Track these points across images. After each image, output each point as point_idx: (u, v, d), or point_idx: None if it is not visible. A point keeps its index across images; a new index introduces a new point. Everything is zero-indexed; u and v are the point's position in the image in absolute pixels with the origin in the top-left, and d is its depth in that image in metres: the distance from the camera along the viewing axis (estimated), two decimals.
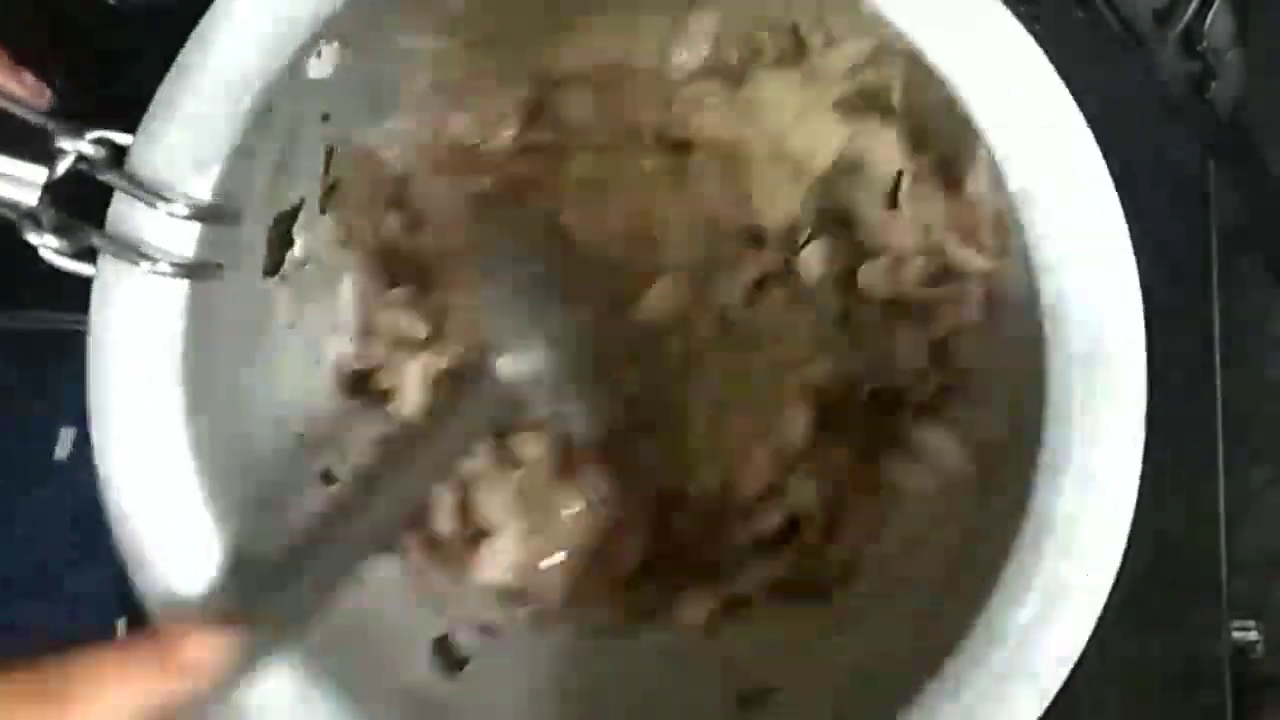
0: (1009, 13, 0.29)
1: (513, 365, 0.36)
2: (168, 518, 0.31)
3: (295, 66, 0.31)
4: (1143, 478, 0.28)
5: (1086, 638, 0.28)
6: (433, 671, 0.36)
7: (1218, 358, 0.40)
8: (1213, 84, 0.41)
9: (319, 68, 0.33)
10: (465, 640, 0.37)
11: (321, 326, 0.39)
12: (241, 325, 0.35)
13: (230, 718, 0.29)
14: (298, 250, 0.37)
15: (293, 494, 0.36)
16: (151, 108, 0.31)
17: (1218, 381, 0.40)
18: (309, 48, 0.31)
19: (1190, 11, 0.40)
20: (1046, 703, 0.28)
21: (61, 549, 0.47)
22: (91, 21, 0.43)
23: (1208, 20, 0.41)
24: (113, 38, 0.43)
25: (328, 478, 0.38)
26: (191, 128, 0.30)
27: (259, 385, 0.36)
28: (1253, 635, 0.44)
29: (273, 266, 0.37)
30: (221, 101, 0.30)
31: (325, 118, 0.36)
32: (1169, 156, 0.40)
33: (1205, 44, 0.41)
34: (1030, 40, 0.29)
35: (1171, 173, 0.39)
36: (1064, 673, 0.28)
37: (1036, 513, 0.28)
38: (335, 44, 0.32)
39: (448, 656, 0.36)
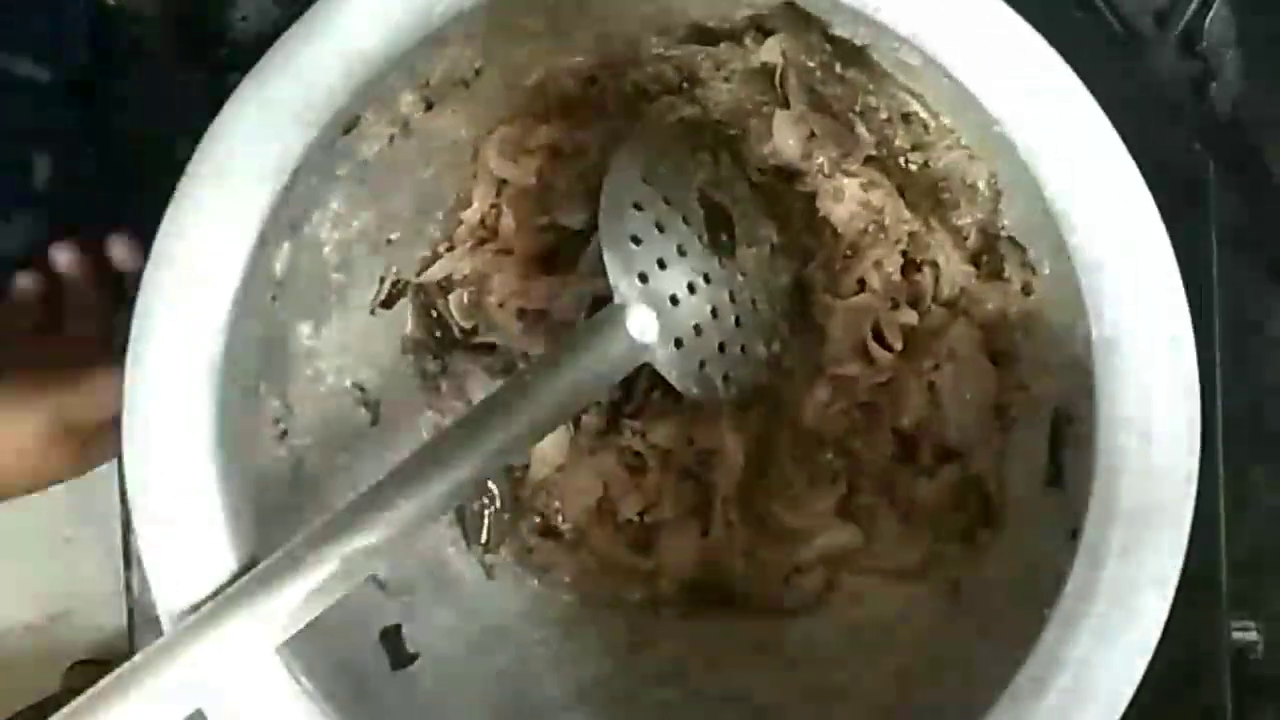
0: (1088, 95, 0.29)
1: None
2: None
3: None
4: None
5: None
6: (379, 662, 0.35)
7: (1218, 358, 0.40)
8: (1213, 84, 0.41)
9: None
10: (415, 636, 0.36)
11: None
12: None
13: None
14: None
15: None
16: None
17: (1218, 381, 0.40)
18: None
19: (1190, 12, 0.40)
20: None
21: None
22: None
23: (1207, 21, 0.41)
24: (112, 38, 0.43)
25: None
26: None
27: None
28: (1252, 635, 0.43)
29: None
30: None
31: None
32: (1169, 156, 0.40)
33: (1205, 44, 0.41)
34: (1100, 113, 0.29)
35: (1171, 173, 0.39)
36: None
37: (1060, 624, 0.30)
38: None
39: (396, 650, 0.36)
